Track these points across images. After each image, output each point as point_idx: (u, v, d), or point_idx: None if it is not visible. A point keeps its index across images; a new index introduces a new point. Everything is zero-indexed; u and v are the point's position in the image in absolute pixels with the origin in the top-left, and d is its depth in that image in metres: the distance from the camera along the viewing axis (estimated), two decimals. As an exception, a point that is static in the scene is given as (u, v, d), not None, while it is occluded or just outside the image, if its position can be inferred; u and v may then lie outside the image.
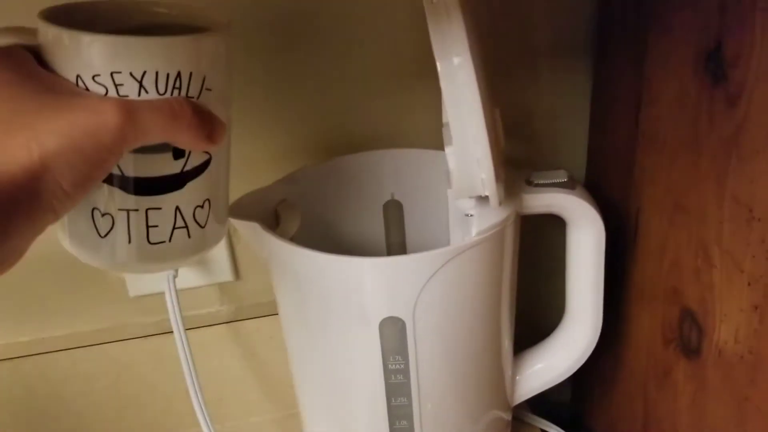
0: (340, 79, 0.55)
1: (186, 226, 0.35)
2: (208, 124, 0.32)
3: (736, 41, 0.38)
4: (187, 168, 0.34)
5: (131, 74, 0.30)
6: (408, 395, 0.46)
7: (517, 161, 0.58)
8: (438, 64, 0.38)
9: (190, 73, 0.32)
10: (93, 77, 0.30)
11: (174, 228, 0.34)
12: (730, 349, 0.42)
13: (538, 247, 0.60)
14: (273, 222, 0.49)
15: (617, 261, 0.54)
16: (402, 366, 0.45)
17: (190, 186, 0.34)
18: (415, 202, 0.56)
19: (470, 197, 0.43)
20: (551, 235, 0.53)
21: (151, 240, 0.34)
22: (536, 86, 0.58)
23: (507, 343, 0.50)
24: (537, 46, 0.56)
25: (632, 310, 0.54)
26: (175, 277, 0.53)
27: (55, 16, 0.32)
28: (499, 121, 0.43)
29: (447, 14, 0.37)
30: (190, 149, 0.33)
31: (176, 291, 0.52)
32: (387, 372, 0.45)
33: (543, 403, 0.64)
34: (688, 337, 0.47)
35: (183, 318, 0.52)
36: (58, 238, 0.36)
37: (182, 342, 0.52)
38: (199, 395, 0.52)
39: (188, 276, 0.58)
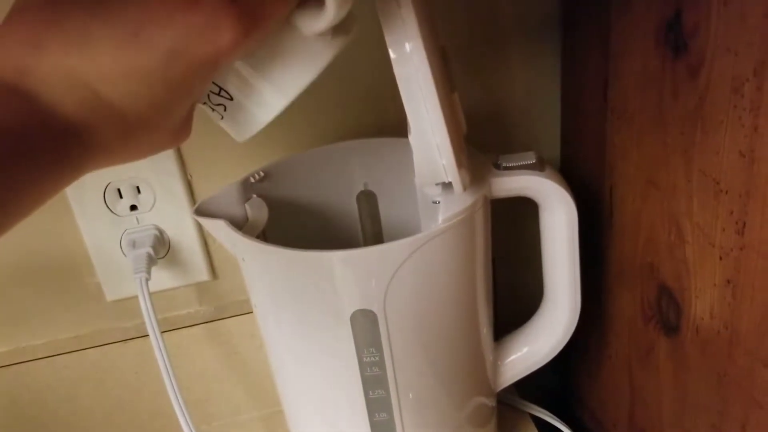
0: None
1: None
2: None
3: (694, 10, 0.37)
4: None
5: None
6: (385, 387, 0.45)
7: (491, 147, 0.58)
8: (390, 51, 0.37)
9: None
10: None
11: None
12: (706, 325, 0.42)
13: (512, 231, 0.60)
14: (243, 219, 0.49)
15: (595, 240, 0.53)
16: (377, 358, 0.44)
17: None
18: (388, 192, 0.55)
19: (435, 184, 0.43)
20: (526, 218, 0.53)
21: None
22: (505, 70, 0.57)
23: (486, 330, 0.49)
24: (503, 29, 0.55)
25: (612, 288, 0.53)
26: (148, 279, 0.52)
27: None
28: (459, 106, 0.42)
29: (397, 1, 0.36)
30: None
31: (149, 294, 0.51)
32: (362, 365, 0.45)
33: (531, 387, 0.63)
34: (667, 314, 0.46)
35: (159, 320, 0.51)
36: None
37: (158, 344, 0.51)
38: (179, 397, 0.52)
39: (164, 278, 0.58)
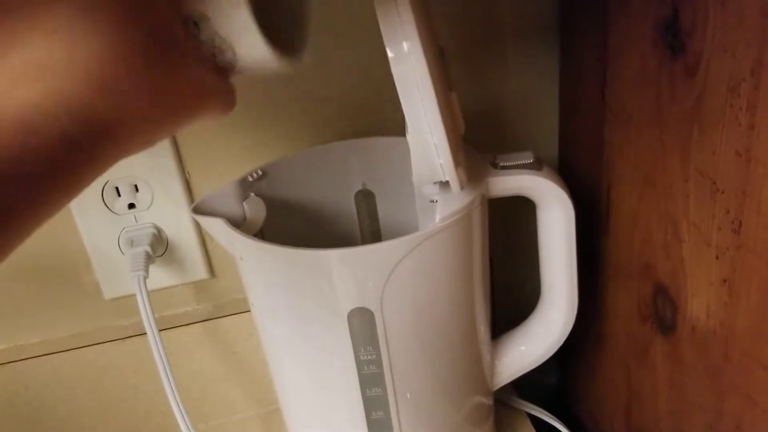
0: (308, 70, 0.54)
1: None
2: None
3: (692, 10, 0.37)
4: None
5: None
6: (382, 385, 0.45)
7: (489, 147, 0.58)
8: (388, 50, 0.37)
9: None
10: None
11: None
12: (702, 325, 0.42)
13: (510, 231, 0.60)
14: (241, 217, 0.49)
15: (592, 239, 0.53)
16: (374, 357, 0.44)
17: None
18: (386, 191, 0.55)
19: (432, 183, 0.43)
20: (523, 217, 0.53)
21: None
22: (504, 70, 0.57)
23: (483, 328, 0.49)
24: (502, 29, 0.56)
25: (609, 288, 0.53)
26: (146, 278, 0.52)
27: None
28: (457, 106, 0.42)
29: (395, 0, 0.37)
30: None
31: (147, 292, 0.51)
32: (359, 363, 0.45)
33: (529, 386, 0.63)
34: (663, 313, 0.46)
35: (157, 319, 0.51)
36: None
37: (156, 343, 0.51)
38: (176, 395, 0.52)
39: (162, 276, 0.58)
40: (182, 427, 0.52)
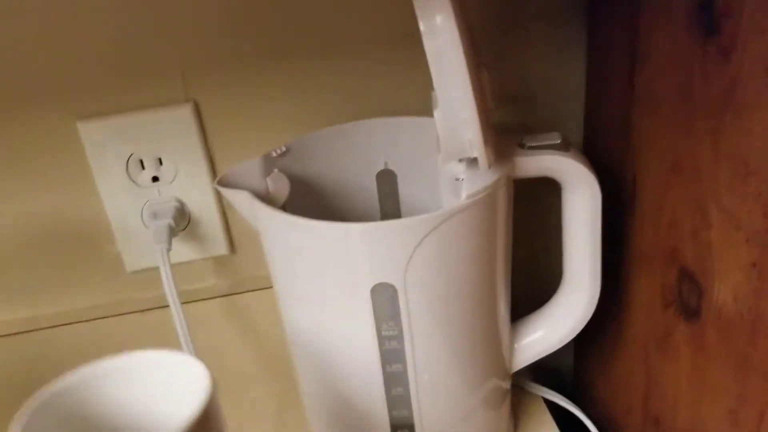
0: (332, 47, 0.54)
1: None
2: None
3: (729, -10, 0.37)
4: None
5: None
6: (403, 361, 0.46)
7: (514, 128, 0.57)
8: (420, 23, 0.37)
9: None
10: None
11: None
12: (729, 309, 0.42)
13: (534, 213, 0.60)
14: (264, 193, 0.49)
15: (615, 224, 0.53)
16: (395, 332, 0.44)
17: None
18: (408, 171, 0.55)
19: (459, 160, 0.43)
20: (547, 200, 0.53)
21: None
22: (531, 51, 0.57)
23: (503, 310, 0.49)
24: (529, 9, 0.55)
25: (631, 273, 0.53)
26: (168, 250, 0.52)
27: None
28: (487, 83, 0.42)
29: (428, -29, 0.36)
30: None
31: (170, 264, 0.51)
32: (381, 339, 0.45)
33: (545, 372, 0.63)
34: (687, 298, 0.46)
35: (178, 292, 0.52)
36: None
37: (178, 315, 0.51)
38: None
39: (183, 250, 0.58)
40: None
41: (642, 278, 0.52)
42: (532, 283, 0.58)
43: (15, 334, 0.59)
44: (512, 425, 0.57)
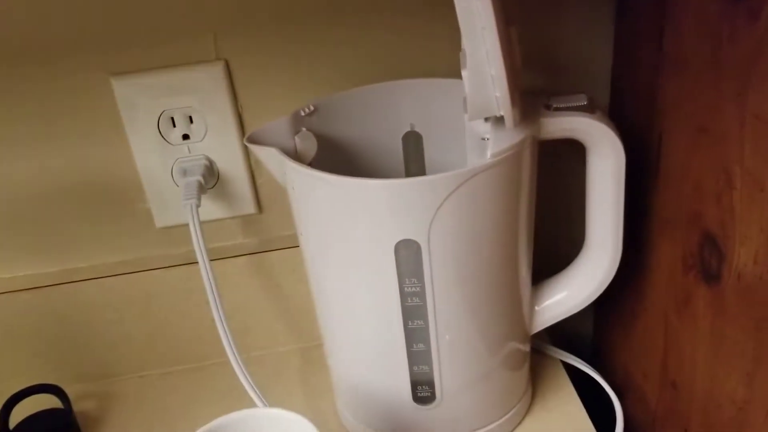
0: (362, 7, 0.54)
1: None
2: None
3: (761, -50, 0.37)
4: None
5: None
6: (424, 318, 0.46)
7: (541, 90, 0.57)
8: (451, -20, 0.37)
9: None
10: None
11: None
12: (749, 272, 0.42)
13: (557, 176, 0.60)
14: (292, 151, 0.50)
15: (639, 188, 0.53)
16: (418, 289, 0.45)
17: None
18: (434, 133, 0.56)
19: (485, 120, 0.43)
20: (571, 162, 0.53)
21: None
22: (558, 13, 0.57)
23: (525, 271, 0.50)
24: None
25: (653, 237, 0.53)
26: (198, 206, 0.54)
27: None
28: (516, 41, 0.42)
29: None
30: None
31: (199, 220, 0.53)
32: (403, 295, 0.46)
33: (564, 336, 0.64)
34: (708, 262, 0.46)
35: (207, 249, 0.53)
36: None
37: (206, 270, 0.53)
38: (224, 324, 0.53)
39: (211, 208, 0.59)
40: (229, 354, 0.54)
41: (664, 242, 0.52)
42: (554, 246, 0.59)
43: (47, 286, 0.61)
44: (530, 387, 0.58)
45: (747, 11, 0.38)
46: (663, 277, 0.53)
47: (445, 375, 0.49)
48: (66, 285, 0.61)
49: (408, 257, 0.44)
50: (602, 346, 0.68)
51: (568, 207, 0.62)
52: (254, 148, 0.47)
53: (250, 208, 0.60)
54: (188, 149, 0.56)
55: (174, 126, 0.55)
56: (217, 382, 0.63)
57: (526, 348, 0.55)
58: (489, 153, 0.42)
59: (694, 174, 0.46)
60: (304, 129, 0.50)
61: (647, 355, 0.58)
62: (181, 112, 0.55)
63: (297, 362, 0.65)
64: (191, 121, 0.56)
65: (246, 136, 0.48)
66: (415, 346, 0.48)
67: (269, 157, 0.47)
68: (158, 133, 0.55)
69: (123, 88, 0.54)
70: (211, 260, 0.53)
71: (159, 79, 0.54)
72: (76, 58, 0.53)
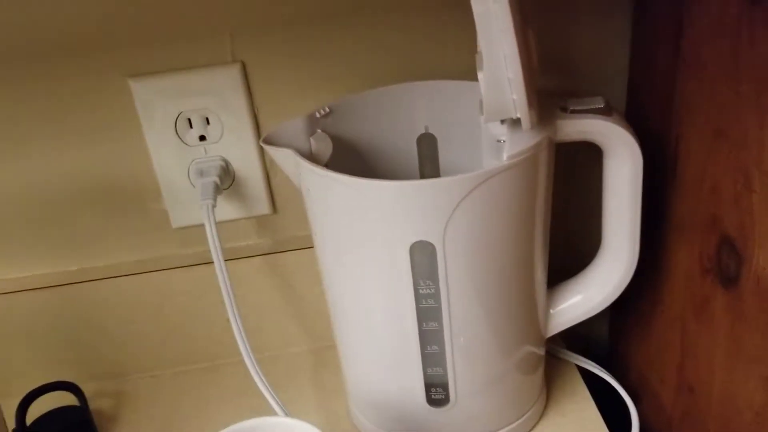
0: (378, 9, 0.54)
1: None
2: None
3: (782, -49, 0.36)
4: None
5: None
6: (439, 320, 0.46)
7: (557, 92, 0.57)
8: (468, -19, 0.37)
9: None
10: None
11: None
12: (767, 276, 0.42)
13: (573, 178, 0.60)
14: (307, 152, 0.50)
15: (656, 191, 0.53)
16: (433, 291, 0.45)
17: None
18: (449, 136, 0.55)
19: (501, 122, 0.43)
20: (587, 165, 0.53)
21: None
22: (575, 15, 0.56)
23: (540, 274, 0.50)
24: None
25: (670, 240, 0.53)
26: (214, 206, 0.54)
27: None
28: (533, 43, 0.42)
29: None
30: None
31: (215, 220, 0.53)
32: (418, 296, 0.46)
33: (579, 339, 0.64)
34: (726, 265, 0.46)
35: (222, 248, 0.53)
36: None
37: (222, 272, 0.53)
38: (239, 324, 0.53)
39: (227, 208, 0.59)
40: (244, 354, 0.54)
41: (681, 245, 0.52)
42: (570, 249, 0.58)
43: (64, 285, 0.61)
44: (545, 391, 0.57)
45: (766, 13, 0.38)
46: (680, 280, 0.52)
47: (459, 377, 0.49)
48: (83, 284, 0.61)
49: (423, 259, 0.44)
50: (618, 350, 0.68)
51: (584, 210, 0.61)
52: (270, 150, 0.47)
53: (264, 208, 0.60)
54: (204, 150, 0.57)
55: (191, 127, 0.56)
56: (230, 382, 0.63)
57: (541, 351, 0.55)
58: (505, 155, 0.42)
59: (712, 177, 0.46)
60: (319, 130, 0.50)
61: (664, 360, 0.57)
62: (198, 114, 0.55)
63: (310, 363, 0.65)
64: (208, 123, 0.56)
65: (262, 137, 0.48)
66: (429, 348, 0.48)
67: (285, 159, 0.47)
68: (175, 135, 0.56)
69: (141, 90, 0.54)
70: (226, 260, 0.53)
71: (176, 80, 0.54)
72: (94, 60, 0.53)
